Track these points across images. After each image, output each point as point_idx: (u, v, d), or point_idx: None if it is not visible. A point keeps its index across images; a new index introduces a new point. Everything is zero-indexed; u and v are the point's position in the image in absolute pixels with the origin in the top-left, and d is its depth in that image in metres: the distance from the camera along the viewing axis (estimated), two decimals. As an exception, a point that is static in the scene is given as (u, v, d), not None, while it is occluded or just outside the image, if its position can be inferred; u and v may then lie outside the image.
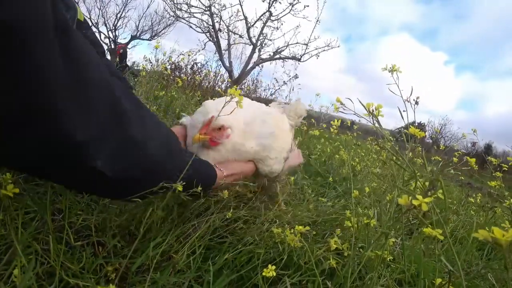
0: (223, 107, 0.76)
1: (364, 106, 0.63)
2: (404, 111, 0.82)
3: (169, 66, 7.31)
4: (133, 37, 12.14)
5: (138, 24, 11.98)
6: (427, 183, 0.46)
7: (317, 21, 6.74)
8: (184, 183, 0.64)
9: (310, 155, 2.05)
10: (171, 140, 0.63)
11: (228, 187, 0.89)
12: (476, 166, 2.14)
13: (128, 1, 11.27)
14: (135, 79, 2.67)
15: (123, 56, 2.99)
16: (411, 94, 0.82)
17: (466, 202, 1.88)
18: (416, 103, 0.82)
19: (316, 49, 7.08)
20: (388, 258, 0.55)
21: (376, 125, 0.72)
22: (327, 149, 1.87)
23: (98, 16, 11.59)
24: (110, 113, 0.44)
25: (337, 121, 1.16)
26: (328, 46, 7.08)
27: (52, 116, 0.37)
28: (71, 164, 0.42)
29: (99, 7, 11.38)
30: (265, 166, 0.92)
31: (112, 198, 0.67)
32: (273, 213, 0.80)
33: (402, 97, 0.81)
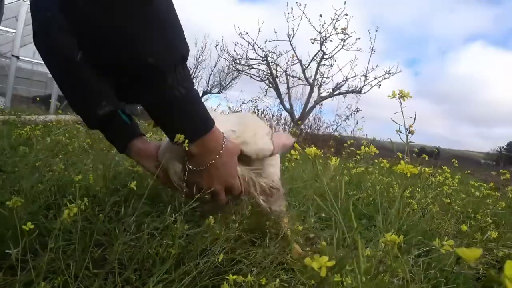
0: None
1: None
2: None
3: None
4: (204, 92, 13.73)
5: (208, 81, 13.57)
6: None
7: (371, 51, 6.64)
8: (183, 90, 0.60)
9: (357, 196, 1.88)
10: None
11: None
12: None
13: (199, 64, 12.95)
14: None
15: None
16: (414, 122, 0.79)
17: None
18: (410, 132, 0.79)
19: (376, 78, 6.87)
20: None
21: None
22: (377, 186, 1.69)
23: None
24: None
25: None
26: (388, 73, 6.81)
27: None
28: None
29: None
30: (247, 145, 0.79)
31: None
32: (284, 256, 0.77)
33: (405, 126, 0.79)
